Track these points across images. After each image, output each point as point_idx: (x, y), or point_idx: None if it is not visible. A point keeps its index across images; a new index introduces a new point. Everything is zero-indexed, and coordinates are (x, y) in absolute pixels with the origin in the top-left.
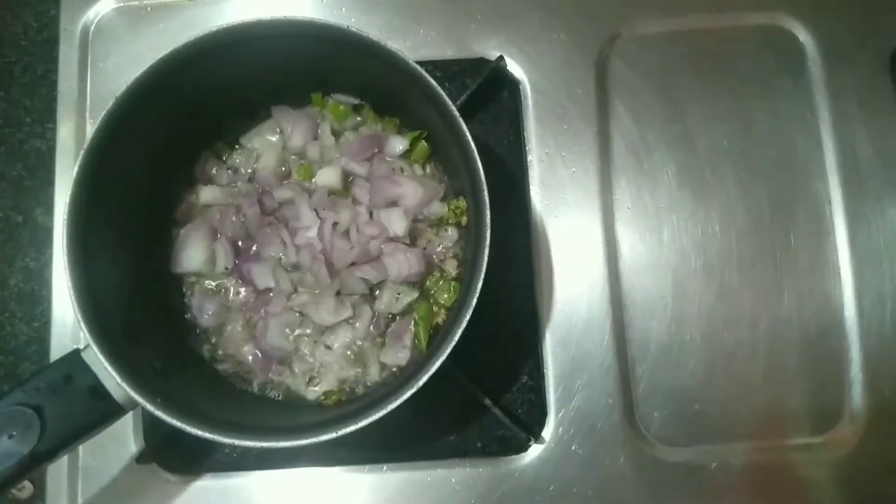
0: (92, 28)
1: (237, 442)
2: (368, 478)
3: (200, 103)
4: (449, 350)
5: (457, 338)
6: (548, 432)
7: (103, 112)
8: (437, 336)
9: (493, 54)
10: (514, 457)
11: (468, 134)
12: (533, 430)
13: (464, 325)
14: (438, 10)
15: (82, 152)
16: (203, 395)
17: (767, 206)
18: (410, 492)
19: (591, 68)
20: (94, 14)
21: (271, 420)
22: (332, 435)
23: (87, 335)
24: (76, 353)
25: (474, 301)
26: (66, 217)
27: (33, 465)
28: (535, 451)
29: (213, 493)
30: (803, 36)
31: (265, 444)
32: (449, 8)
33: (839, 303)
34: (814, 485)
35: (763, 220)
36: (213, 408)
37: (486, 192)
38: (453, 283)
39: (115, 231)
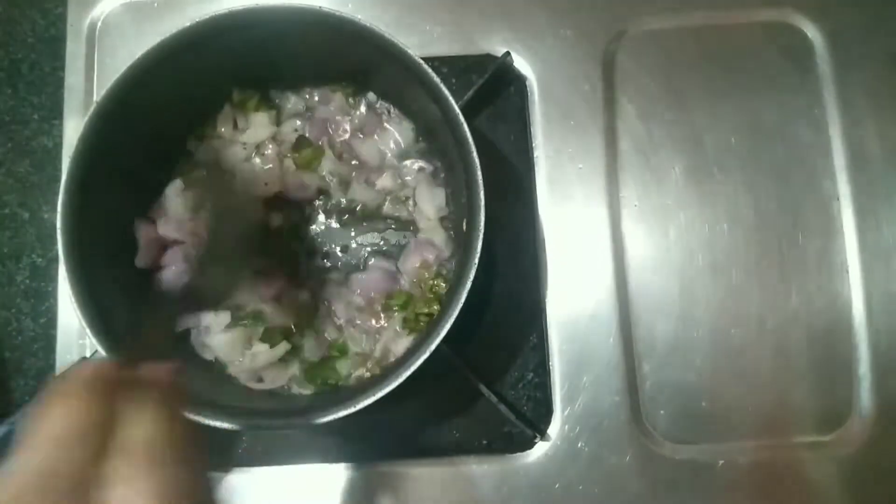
0: (99, 25)
1: (257, 425)
2: (373, 474)
3: (193, 94)
4: (441, 336)
5: (449, 324)
6: (554, 430)
7: (87, 115)
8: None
9: (499, 50)
10: (519, 454)
11: (469, 134)
12: (539, 427)
13: (456, 312)
14: (445, 6)
15: (70, 157)
16: (214, 387)
17: (775, 203)
18: (416, 488)
19: (597, 64)
20: (100, 11)
21: (287, 404)
22: (353, 408)
23: (95, 342)
24: (84, 361)
25: (463, 301)
26: (60, 226)
27: None
28: (540, 448)
29: (217, 489)
30: (811, 32)
31: (291, 423)
32: (455, 4)
33: (847, 300)
34: (822, 483)
35: (771, 217)
36: (226, 398)
37: (482, 197)
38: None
39: (114, 234)
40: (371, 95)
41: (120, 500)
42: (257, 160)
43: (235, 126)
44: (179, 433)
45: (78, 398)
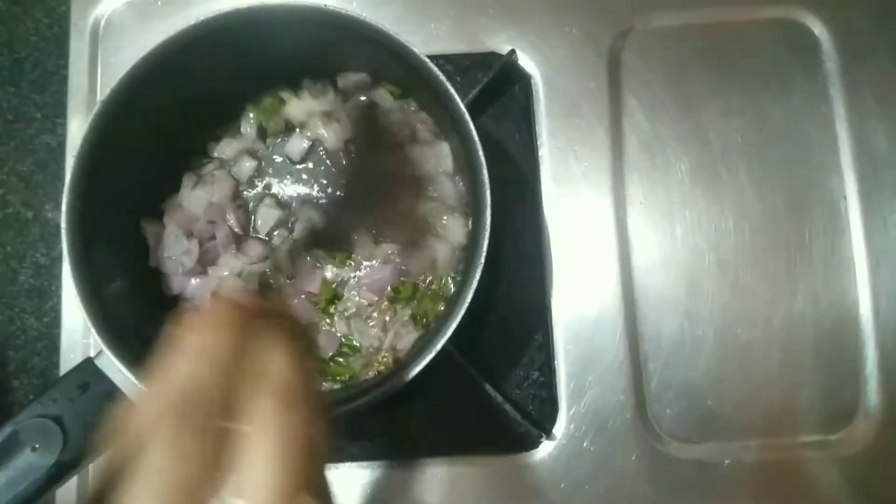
0: (102, 23)
1: None
2: (378, 474)
3: (202, 93)
4: (447, 337)
5: (455, 323)
6: (559, 429)
7: (91, 115)
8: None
9: (504, 48)
10: (524, 453)
11: (474, 132)
12: (544, 426)
13: (462, 311)
14: (449, 4)
15: (74, 158)
16: None
17: (782, 201)
18: (421, 488)
19: (603, 62)
20: (104, 9)
21: None
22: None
23: (100, 342)
24: (89, 361)
25: (469, 300)
26: (64, 225)
27: (60, 475)
28: (546, 447)
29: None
30: (818, 30)
31: None
32: (460, 2)
33: (854, 299)
34: (828, 482)
35: (777, 215)
36: None
37: (488, 196)
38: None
39: (118, 233)
40: None
41: (249, 436)
42: None
43: (261, 129)
44: (308, 375)
45: (219, 327)
